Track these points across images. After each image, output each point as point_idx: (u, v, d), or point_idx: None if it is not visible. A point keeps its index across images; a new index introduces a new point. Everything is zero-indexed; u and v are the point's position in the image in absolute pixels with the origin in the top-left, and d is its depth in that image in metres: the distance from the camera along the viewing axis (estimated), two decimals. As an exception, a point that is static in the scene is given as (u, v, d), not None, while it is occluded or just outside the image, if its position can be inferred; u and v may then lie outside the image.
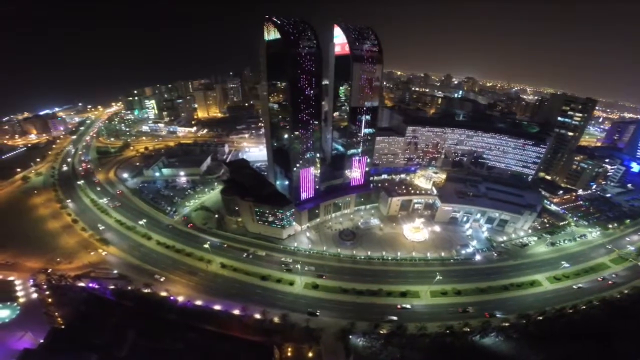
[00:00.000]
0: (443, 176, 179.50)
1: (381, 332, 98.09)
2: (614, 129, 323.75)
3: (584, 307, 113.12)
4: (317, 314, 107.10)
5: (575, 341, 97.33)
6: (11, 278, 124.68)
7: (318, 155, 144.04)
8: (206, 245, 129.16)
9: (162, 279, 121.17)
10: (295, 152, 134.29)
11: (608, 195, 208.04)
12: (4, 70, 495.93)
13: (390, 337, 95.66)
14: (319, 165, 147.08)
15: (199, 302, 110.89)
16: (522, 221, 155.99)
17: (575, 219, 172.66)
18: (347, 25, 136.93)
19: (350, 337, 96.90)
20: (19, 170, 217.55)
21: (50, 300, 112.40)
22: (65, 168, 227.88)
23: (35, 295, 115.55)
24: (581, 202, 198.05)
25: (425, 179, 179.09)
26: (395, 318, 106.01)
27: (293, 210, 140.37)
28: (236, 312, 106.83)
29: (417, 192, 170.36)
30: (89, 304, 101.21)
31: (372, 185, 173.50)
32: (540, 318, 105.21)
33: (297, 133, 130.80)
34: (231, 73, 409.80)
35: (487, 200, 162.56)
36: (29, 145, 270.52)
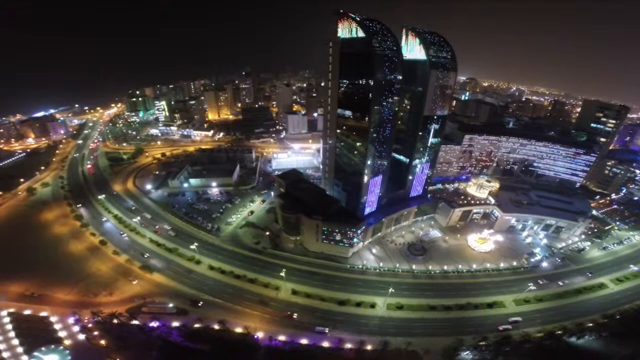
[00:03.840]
0: (497, 185, 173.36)
1: (489, 344, 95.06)
2: (626, 132, 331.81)
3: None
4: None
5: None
6: (44, 313, 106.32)
7: (387, 167, 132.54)
8: (282, 274, 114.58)
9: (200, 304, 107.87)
10: (368, 164, 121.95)
11: (635, 198, 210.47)
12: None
13: (498, 347, 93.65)
14: (385, 178, 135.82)
15: (282, 338, 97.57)
16: (576, 227, 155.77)
17: (618, 223, 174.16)
18: (420, 29, 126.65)
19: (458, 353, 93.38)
20: (22, 180, 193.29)
21: (103, 343, 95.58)
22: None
23: (82, 337, 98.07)
24: (616, 206, 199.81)
25: (478, 188, 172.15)
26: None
27: (364, 227, 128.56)
28: (325, 344, 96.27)
29: (476, 201, 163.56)
30: (163, 350, 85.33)
31: (429, 195, 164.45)
32: (618, 317, 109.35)
33: (372, 144, 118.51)
34: (243, 73, 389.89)
35: (542, 208, 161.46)
36: (28, 150, 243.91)
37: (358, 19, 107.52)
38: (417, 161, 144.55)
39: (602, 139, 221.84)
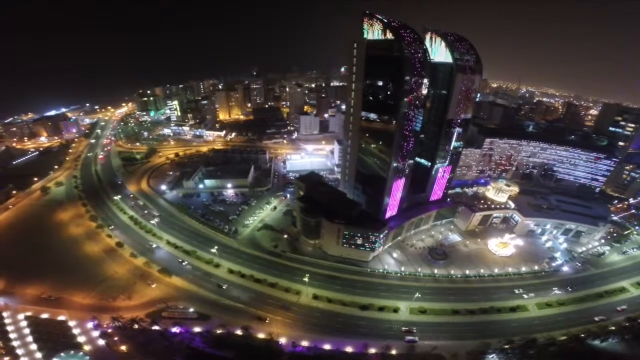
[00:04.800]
0: (516, 189, 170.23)
1: (514, 347, 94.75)
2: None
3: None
4: None
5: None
6: (62, 318, 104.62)
7: (409, 170, 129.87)
8: (306, 279, 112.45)
9: (267, 321, 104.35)
10: (392, 167, 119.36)
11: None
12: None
13: (524, 350, 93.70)
14: (407, 181, 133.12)
15: (305, 343, 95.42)
16: (596, 232, 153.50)
17: (637, 227, 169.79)
18: (449, 34, 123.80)
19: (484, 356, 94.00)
20: (35, 179, 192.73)
21: (124, 348, 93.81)
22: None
23: (102, 342, 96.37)
24: (634, 211, 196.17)
25: (497, 192, 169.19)
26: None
27: (386, 232, 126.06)
28: (349, 349, 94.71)
29: (496, 206, 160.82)
30: (187, 356, 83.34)
31: (449, 199, 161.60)
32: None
33: (397, 147, 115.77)
34: (254, 73, 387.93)
35: (562, 213, 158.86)
36: (41, 149, 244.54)
37: (385, 20, 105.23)
38: (438, 165, 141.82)
39: (621, 143, 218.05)
